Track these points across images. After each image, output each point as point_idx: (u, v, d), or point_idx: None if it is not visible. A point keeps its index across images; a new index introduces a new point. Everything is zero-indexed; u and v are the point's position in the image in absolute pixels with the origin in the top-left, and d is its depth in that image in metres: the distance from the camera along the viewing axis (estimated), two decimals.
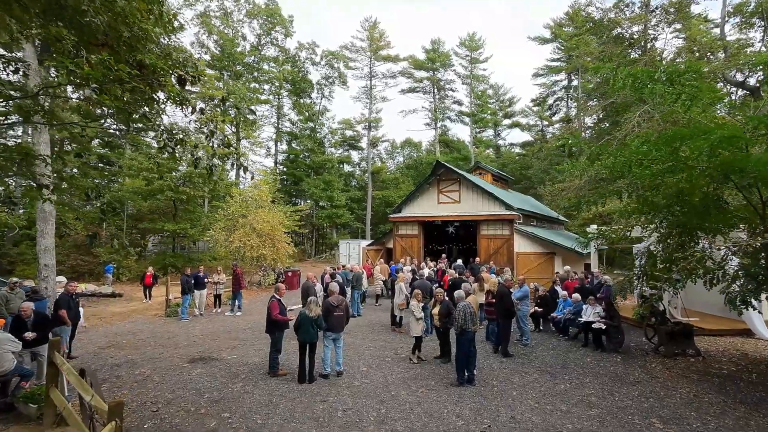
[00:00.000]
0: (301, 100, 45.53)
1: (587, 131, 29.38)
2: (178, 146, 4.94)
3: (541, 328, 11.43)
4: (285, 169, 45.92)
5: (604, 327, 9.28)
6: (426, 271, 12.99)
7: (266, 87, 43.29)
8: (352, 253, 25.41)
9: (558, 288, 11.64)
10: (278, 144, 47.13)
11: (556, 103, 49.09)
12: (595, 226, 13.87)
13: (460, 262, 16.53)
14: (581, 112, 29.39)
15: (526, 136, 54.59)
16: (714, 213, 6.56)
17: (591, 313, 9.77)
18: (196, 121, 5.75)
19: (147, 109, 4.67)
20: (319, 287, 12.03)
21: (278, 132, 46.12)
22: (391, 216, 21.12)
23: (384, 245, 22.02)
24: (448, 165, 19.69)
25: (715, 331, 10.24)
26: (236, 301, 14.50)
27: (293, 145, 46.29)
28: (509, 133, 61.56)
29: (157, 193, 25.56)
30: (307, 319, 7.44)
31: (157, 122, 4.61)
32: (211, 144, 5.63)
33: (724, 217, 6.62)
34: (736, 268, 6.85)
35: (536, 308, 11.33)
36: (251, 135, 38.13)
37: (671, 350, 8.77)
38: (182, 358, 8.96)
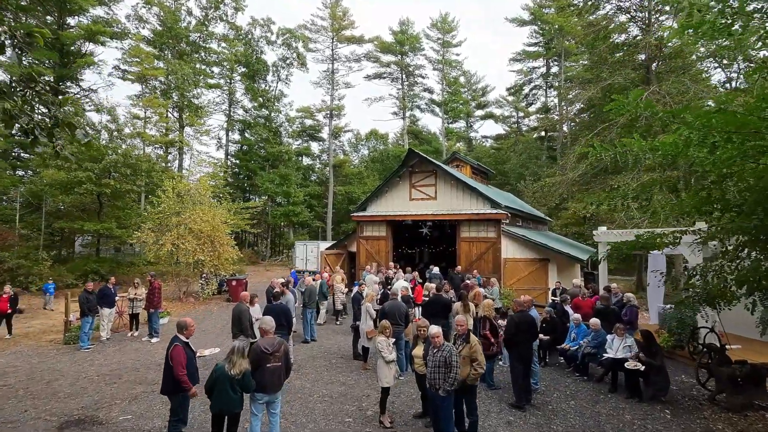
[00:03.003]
0: (255, 84, 41.32)
1: (570, 122, 27.47)
2: None
3: (547, 361, 8.90)
4: (237, 161, 41.81)
5: (642, 368, 6.83)
6: (401, 285, 10.18)
7: (216, 70, 39.09)
8: (309, 256, 22.31)
9: (568, 309, 9.10)
10: (230, 133, 42.75)
11: (533, 92, 46.72)
12: (604, 228, 11.59)
13: (436, 270, 13.82)
14: (564, 99, 27.41)
15: (499, 129, 52.56)
16: None
17: (620, 347, 7.33)
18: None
19: None
20: (257, 310, 9.00)
21: (230, 120, 41.75)
22: (354, 215, 18.21)
23: (346, 249, 19.06)
24: (423, 155, 16.87)
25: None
26: (151, 323, 11.35)
27: (246, 134, 42.09)
28: (482, 125, 59.53)
29: (76, 186, 21.63)
30: (226, 378, 4.73)
31: None
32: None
33: None
34: None
35: (541, 336, 8.69)
36: (196, 122, 33.97)
37: (737, 402, 6.40)
38: (52, 420, 6.29)
